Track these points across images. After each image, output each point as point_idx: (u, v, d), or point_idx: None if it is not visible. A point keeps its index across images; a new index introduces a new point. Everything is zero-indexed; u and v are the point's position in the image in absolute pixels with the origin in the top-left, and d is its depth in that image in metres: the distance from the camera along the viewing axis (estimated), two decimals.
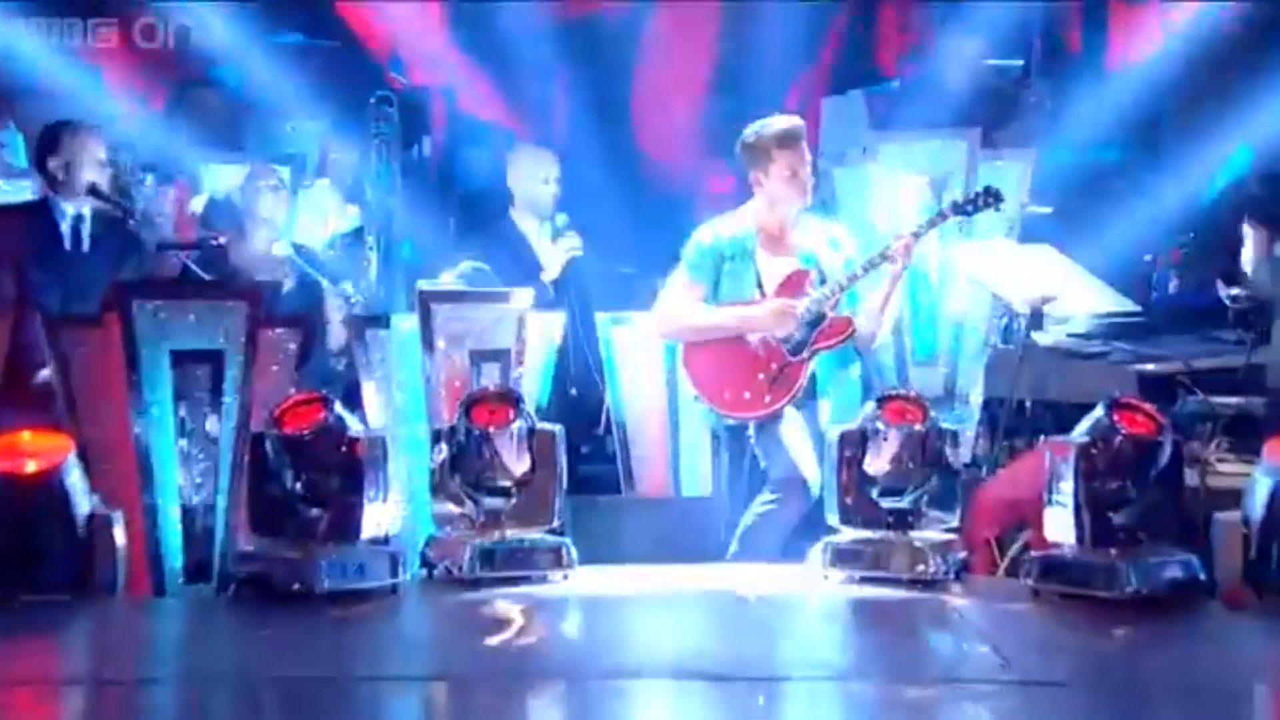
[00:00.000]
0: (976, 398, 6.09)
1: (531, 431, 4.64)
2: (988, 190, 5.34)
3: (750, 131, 5.29)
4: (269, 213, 6.24)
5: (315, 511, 4.52)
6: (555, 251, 6.23)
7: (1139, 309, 6.17)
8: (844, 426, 4.73)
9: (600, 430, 5.99)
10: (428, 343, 5.22)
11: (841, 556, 4.66)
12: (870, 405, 4.73)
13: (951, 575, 4.56)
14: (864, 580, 4.61)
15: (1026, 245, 6.13)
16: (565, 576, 4.65)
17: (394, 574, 4.52)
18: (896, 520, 4.61)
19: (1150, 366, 5.70)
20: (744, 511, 5.25)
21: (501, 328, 5.33)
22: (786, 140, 5.21)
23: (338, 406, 4.60)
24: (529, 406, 4.83)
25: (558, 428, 4.79)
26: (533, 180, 6.33)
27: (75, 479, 4.54)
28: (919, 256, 5.46)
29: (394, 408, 5.31)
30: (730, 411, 5.24)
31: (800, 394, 5.18)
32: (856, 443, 4.65)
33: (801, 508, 5.08)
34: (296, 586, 4.34)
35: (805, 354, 5.17)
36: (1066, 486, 4.37)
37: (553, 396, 5.68)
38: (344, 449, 4.54)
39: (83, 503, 4.52)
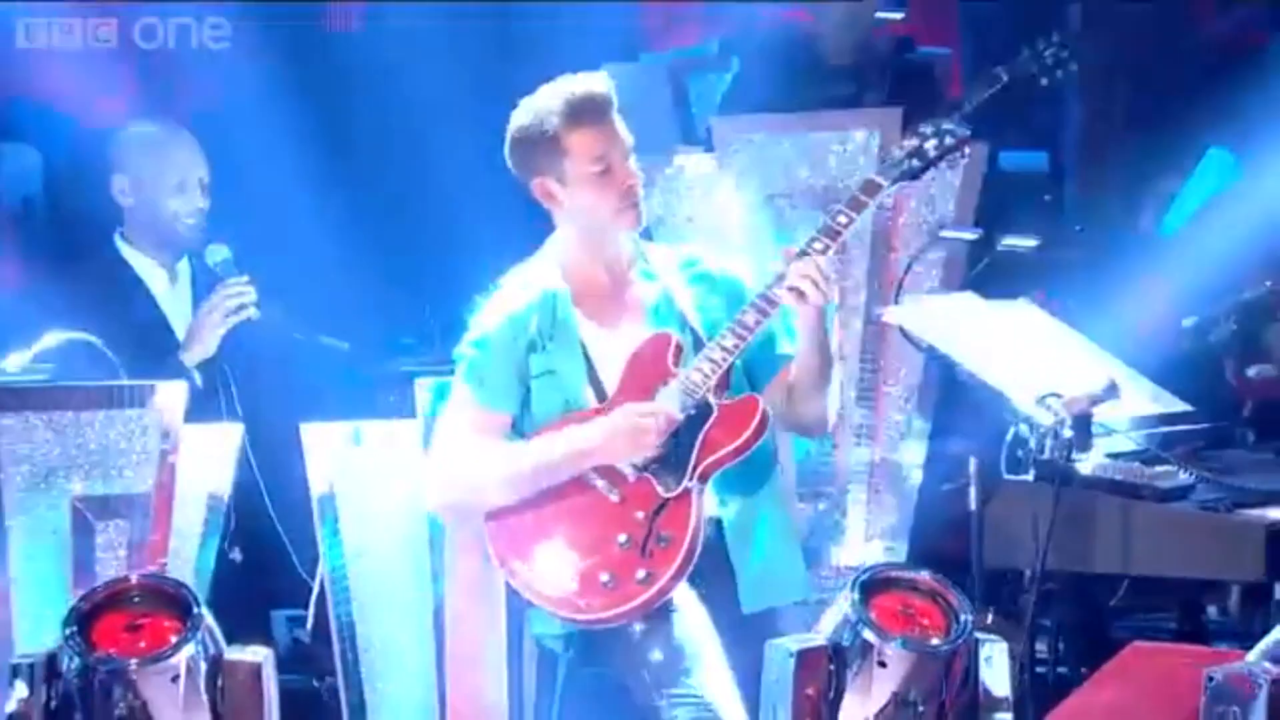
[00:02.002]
0: None
1: (216, 664, 4.10)
2: (942, 127, 4.90)
3: (521, 115, 4.84)
4: None
5: None
6: (208, 312, 5.80)
7: (1191, 408, 6.17)
8: (802, 640, 4.29)
9: (306, 635, 5.56)
10: None
11: None
12: (847, 595, 4.31)
13: None
14: None
15: (999, 304, 6.09)
16: None
17: None
18: None
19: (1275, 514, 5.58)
20: None
21: (132, 453, 4.87)
22: (583, 113, 4.75)
23: None
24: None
25: (264, 654, 4.20)
26: (156, 184, 5.96)
27: None
28: None
29: None
30: (584, 616, 4.65)
31: (696, 557, 4.61)
32: (824, 670, 4.26)
33: None
34: None
35: (690, 479, 4.64)
36: None
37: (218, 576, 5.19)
38: None
39: None
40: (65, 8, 8.65)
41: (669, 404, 4.63)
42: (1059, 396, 5.60)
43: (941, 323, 5.88)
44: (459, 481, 4.80)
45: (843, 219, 4.74)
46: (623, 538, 4.59)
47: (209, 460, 5.14)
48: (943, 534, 6.50)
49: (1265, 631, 6.04)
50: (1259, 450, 6.61)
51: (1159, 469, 5.95)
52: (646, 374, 4.73)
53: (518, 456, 4.72)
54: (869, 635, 4.24)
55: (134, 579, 4.32)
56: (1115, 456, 5.96)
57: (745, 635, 4.67)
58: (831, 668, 4.29)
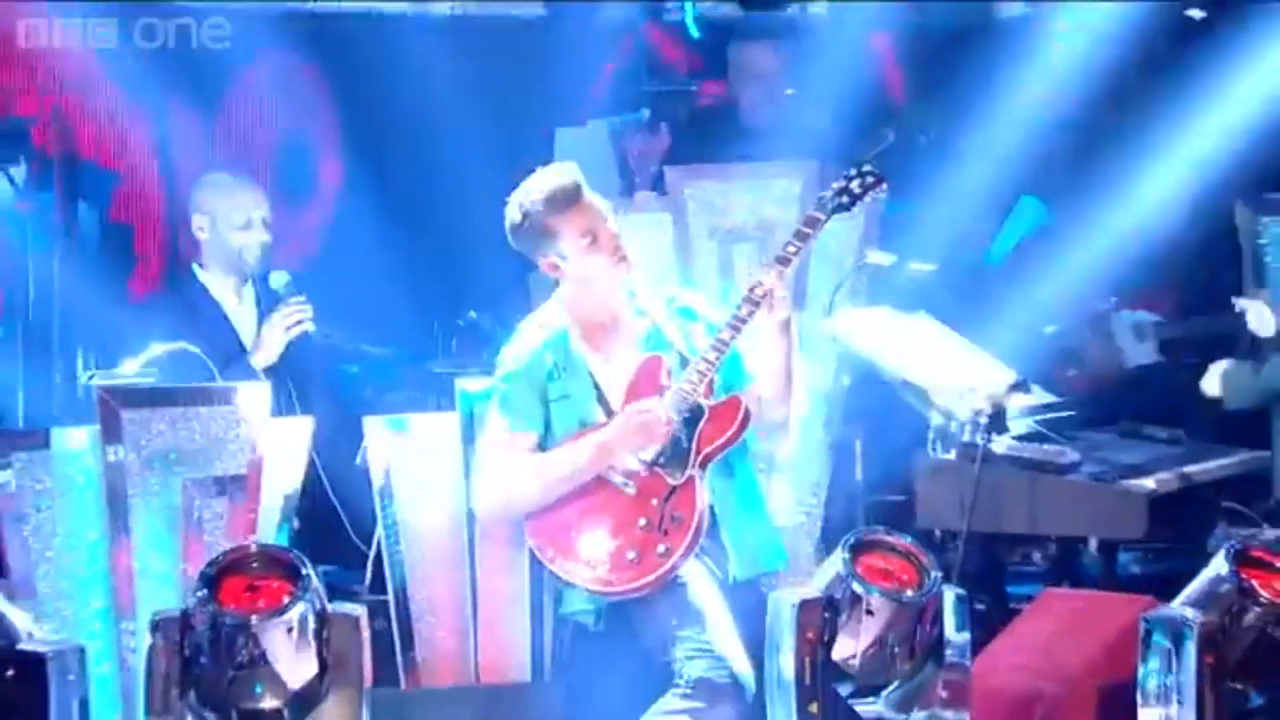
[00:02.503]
0: None
1: (321, 618, 4.10)
2: (863, 170, 5.13)
3: (512, 211, 5.03)
4: None
5: None
6: (272, 327, 5.94)
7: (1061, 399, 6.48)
8: (801, 591, 4.43)
9: (365, 589, 5.55)
10: (115, 469, 4.76)
11: None
12: (838, 556, 4.44)
13: None
14: None
15: (905, 315, 6.26)
16: None
17: None
18: None
19: (1151, 484, 5.79)
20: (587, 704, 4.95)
21: (228, 442, 4.92)
22: (559, 202, 4.96)
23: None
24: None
25: (361, 610, 4.24)
26: (227, 223, 6.07)
27: None
28: None
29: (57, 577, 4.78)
30: (616, 588, 4.86)
31: (704, 532, 4.84)
32: (820, 618, 4.37)
33: None
34: None
35: (692, 468, 4.85)
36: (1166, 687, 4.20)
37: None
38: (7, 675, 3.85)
39: None
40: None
41: (669, 410, 4.84)
42: (974, 391, 5.75)
43: (870, 332, 6.01)
44: (500, 493, 5.03)
45: (791, 248, 5.01)
46: (642, 521, 4.81)
47: (287, 448, 5.12)
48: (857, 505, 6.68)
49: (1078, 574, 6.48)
50: (1105, 430, 6.84)
51: (1052, 447, 6.11)
52: (645, 389, 4.96)
53: (550, 465, 4.96)
54: (858, 588, 4.34)
55: (254, 548, 4.33)
56: (1017, 438, 6.09)
57: (734, 599, 4.84)
58: (826, 615, 4.38)
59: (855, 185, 5.06)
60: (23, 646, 3.84)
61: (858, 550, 4.45)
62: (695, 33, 9.04)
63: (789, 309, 4.91)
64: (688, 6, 9.03)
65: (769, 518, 5.18)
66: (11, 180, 6.90)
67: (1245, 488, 6.44)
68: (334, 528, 5.66)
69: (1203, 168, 8.15)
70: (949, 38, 9.25)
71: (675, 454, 4.87)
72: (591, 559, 4.88)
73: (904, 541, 4.56)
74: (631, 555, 4.81)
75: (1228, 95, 8.42)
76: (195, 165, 7.52)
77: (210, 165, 7.24)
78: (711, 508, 4.91)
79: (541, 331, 5.07)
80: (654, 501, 4.84)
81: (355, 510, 5.62)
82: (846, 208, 5.09)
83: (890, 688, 4.49)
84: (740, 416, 4.89)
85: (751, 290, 4.85)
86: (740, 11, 9.23)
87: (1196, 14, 8.89)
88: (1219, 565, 4.29)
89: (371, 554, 5.39)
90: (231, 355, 5.93)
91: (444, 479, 5.38)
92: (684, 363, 4.97)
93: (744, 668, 4.71)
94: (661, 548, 4.79)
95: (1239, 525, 5.74)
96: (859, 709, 4.48)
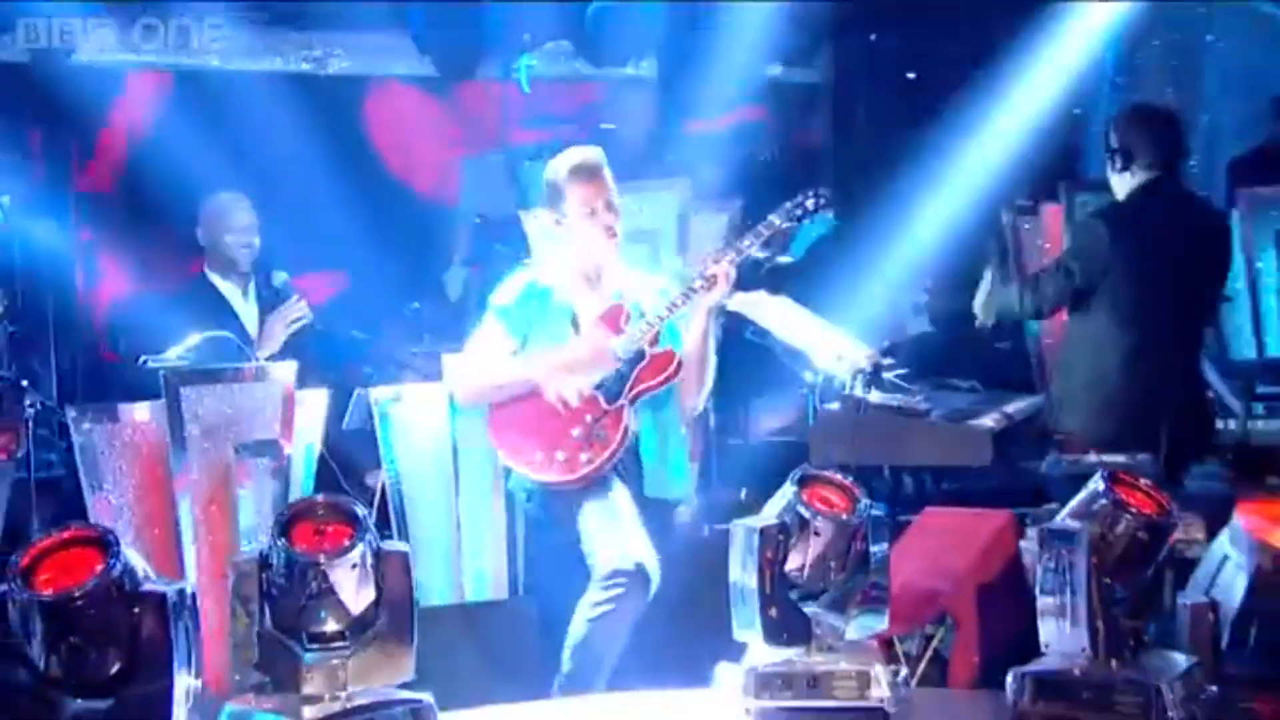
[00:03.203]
0: None
1: (377, 555, 4.08)
2: (818, 192, 5.34)
3: (548, 167, 5.26)
4: None
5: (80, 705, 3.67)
6: (274, 322, 6.07)
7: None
8: (762, 520, 4.48)
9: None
10: (178, 438, 4.69)
11: (767, 683, 4.40)
12: (788, 488, 4.53)
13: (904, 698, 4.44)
14: (797, 711, 4.38)
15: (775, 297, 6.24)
16: None
17: None
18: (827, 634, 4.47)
19: (989, 422, 6.03)
20: (554, 615, 5.11)
21: (265, 411, 4.90)
22: (579, 174, 5.19)
23: (125, 549, 3.76)
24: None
25: (407, 548, 4.27)
26: (221, 233, 6.25)
27: None
28: None
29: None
30: (541, 475, 5.09)
31: (622, 452, 5.07)
32: (776, 540, 4.41)
33: (640, 605, 4.94)
34: None
35: (625, 399, 5.06)
36: (1060, 581, 4.29)
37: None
38: (136, 611, 3.71)
39: None
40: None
41: (619, 348, 5.07)
42: (844, 357, 5.79)
43: (758, 308, 5.94)
44: (475, 378, 5.28)
45: (746, 243, 5.27)
46: (575, 432, 5.07)
47: (308, 415, 5.18)
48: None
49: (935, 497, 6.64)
50: (917, 384, 6.71)
51: (910, 398, 6.22)
52: (609, 327, 5.16)
53: (519, 364, 5.20)
54: (805, 514, 4.43)
55: (320, 498, 4.30)
56: (883, 391, 6.07)
57: (645, 513, 5.10)
58: (780, 538, 4.44)
59: (809, 203, 5.28)
60: (146, 588, 3.76)
61: (803, 484, 4.53)
62: (526, 89, 9.23)
63: (725, 295, 5.14)
64: (522, 62, 9.19)
65: (684, 456, 5.37)
66: None
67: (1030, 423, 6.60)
68: (330, 478, 5.61)
69: (987, 173, 8.51)
70: None
71: (615, 384, 5.10)
72: (530, 454, 5.11)
73: (839, 477, 4.63)
74: (561, 457, 5.06)
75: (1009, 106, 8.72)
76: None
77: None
78: (637, 436, 5.13)
79: (541, 273, 5.30)
80: (588, 418, 5.07)
81: (344, 463, 5.64)
82: (799, 220, 5.34)
83: (828, 593, 4.52)
84: (673, 367, 5.14)
85: (703, 271, 5.08)
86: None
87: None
88: (1095, 484, 4.39)
89: (376, 497, 5.43)
90: (242, 343, 5.84)
91: (432, 436, 5.45)
92: (640, 316, 5.15)
93: (651, 563, 4.93)
94: (585, 456, 5.05)
95: (1068, 452, 5.83)
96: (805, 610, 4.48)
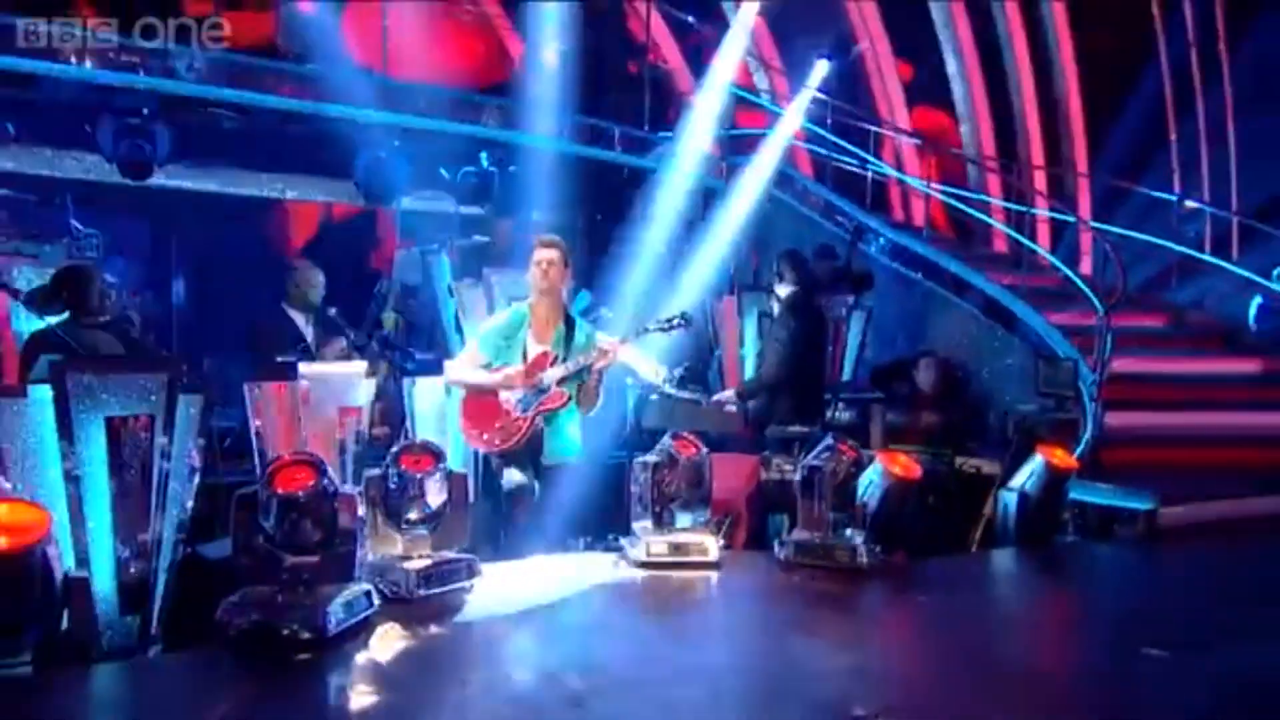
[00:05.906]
0: None
1: (448, 475, 4.20)
2: (684, 315, 5.08)
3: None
4: None
5: (300, 560, 3.64)
6: (324, 355, 5.71)
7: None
8: (650, 457, 4.66)
9: None
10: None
11: (654, 548, 4.57)
12: (666, 440, 4.69)
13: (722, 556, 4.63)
14: (663, 565, 4.51)
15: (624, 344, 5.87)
16: (472, 586, 4.21)
17: (370, 606, 3.79)
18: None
19: (731, 407, 6.11)
20: (494, 511, 5.04)
21: (350, 390, 4.77)
22: (540, 245, 5.05)
23: (328, 470, 3.79)
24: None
25: (467, 471, 4.38)
26: (308, 288, 5.94)
27: (54, 549, 3.38)
28: None
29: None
30: (473, 444, 5.05)
31: (520, 442, 4.93)
32: (659, 470, 4.63)
33: (528, 505, 4.91)
34: (307, 635, 3.47)
35: (530, 413, 4.94)
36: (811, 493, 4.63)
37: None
38: (334, 505, 3.72)
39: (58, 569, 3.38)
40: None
41: (545, 380, 4.92)
42: (657, 372, 5.42)
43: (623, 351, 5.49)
44: (455, 375, 5.06)
45: (636, 334, 5.01)
46: (498, 424, 4.96)
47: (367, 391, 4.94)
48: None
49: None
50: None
51: (690, 392, 6.33)
52: (538, 366, 4.98)
53: (478, 375, 5.00)
54: (675, 454, 4.64)
55: (418, 440, 4.33)
56: (676, 388, 6.18)
57: (543, 474, 4.96)
58: (661, 468, 4.64)
59: (676, 321, 5.01)
60: (341, 491, 3.75)
61: (675, 437, 4.72)
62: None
63: (614, 360, 4.99)
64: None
65: (574, 437, 5.08)
66: None
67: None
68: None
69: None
70: None
71: (530, 402, 4.94)
72: (470, 431, 5.00)
73: (688, 435, 4.79)
74: (485, 437, 4.97)
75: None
76: None
77: None
78: (541, 430, 4.94)
79: (513, 313, 5.09)
80: (512, 416, 4.95)
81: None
82: (665, 330, 5.02)
83: (679, 501, 4.67)
84: (563, 401, 4.95)
85: (602, 348, 4.96)
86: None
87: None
88: (827, 441, 4.66)
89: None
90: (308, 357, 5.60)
91: (434, 410, 5.40)
92: (565, 358, 4.98)
93: (529, 485, 4.92)
94: (498, 440, 4.95)
95: (781, 424, 5.90)
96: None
